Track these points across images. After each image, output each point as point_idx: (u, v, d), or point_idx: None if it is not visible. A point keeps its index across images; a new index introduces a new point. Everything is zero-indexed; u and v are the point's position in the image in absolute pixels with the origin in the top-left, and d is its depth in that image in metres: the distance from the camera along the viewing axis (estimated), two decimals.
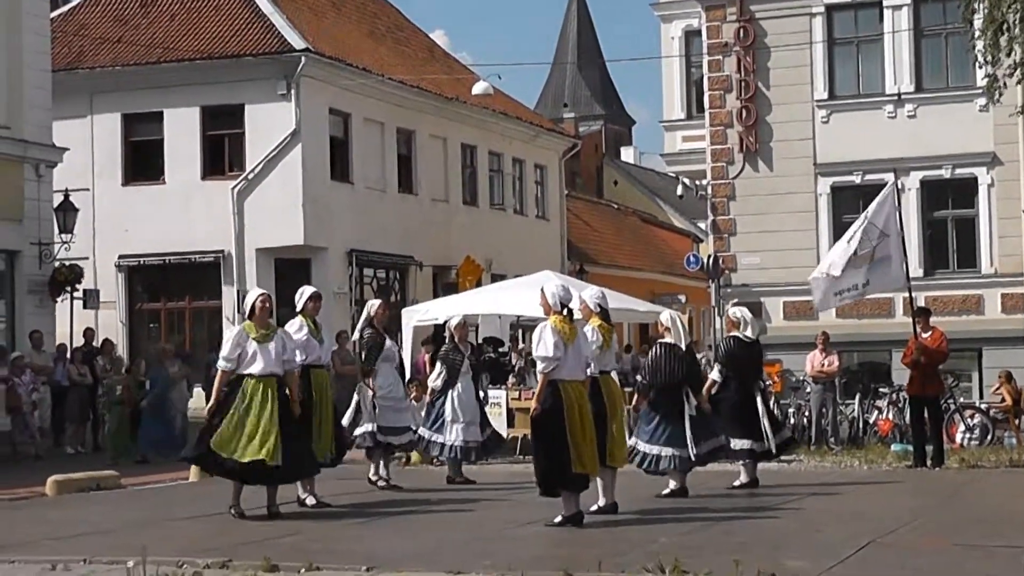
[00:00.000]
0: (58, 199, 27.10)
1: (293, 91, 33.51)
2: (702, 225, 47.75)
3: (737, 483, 16.21)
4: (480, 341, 26.51)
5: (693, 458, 15.20)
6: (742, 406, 16.21)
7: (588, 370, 13.28)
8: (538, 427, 12.78)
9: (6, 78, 25.62)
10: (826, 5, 29.95)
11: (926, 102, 29.34)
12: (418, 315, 24.65)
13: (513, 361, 28.14)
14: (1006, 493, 16.34)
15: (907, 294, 20.41)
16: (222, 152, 34.72)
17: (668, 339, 15.41)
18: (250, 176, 33.81)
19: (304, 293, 15.11)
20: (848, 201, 28.77)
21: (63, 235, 26.94)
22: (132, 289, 35.22)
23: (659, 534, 12.10)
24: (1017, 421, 23.35)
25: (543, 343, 12.61)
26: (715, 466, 16.64)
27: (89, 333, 26.99)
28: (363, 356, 16.56)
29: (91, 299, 28.79)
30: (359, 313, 20.77)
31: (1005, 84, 22.68)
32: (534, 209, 46.19)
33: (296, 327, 14.79)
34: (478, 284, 34.33)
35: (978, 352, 28.02)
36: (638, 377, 15.82)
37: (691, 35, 34.13)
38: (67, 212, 27.28)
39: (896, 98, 29.42)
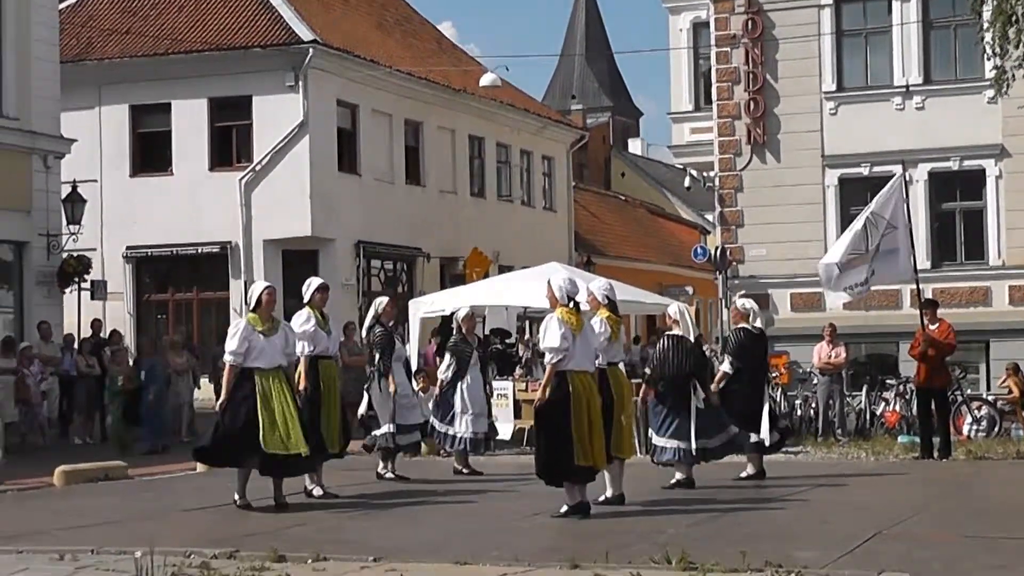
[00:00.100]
0: (66, 190, 27.14)
1: (301, 83, 33.53)
2: (709, 217, 47.74)
3: (744, 474, 16.22)
4: (487, 333, 26.51)
5: (695, 452, 15.19)
6: (752, 398, 16.20)
7: (596, 361, 13.31)
8: (543, 417, 12.80)
9: (15, 69, 25.65)
10: None
11: (934, 94, 29.28)
12: (425, 307, 24.65)
13: (520, 353, 28.16)
14: (1013, 485, 16.33)
15: (915, 286, 20.37)
16: (230, 143, 34.77)
17: (676, 331, 15.40)
18: (258, 167, 33.84)
19: (311, 284, 15.11)
20: (856, 193, 28.70)
21: (71, 226, 26.98)
22: (140, 280, 35.29)
23: (666, 525, 12.11)
24: None
25: (550, 334, 12.62)
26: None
27: (97, 324, 27.02)
28: (377, 356, 16.48)
29: (99, 290, 28.84)
30: (367, 304, 20.80)
31: (1014, 76, 22.62)
32: (541, 201, 46.18)
33: (304, 318, 14.80)
34: (485, 276, 34.32)
35: (985, 344, 27.98)
36: (646, 369, 15.81)
37: (699, 27, 34.06)
38: (75, 203, 27.32)
39: (904, 90, 29.37)
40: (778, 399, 22.53)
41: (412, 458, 18.22)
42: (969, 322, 25.98)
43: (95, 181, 31.89)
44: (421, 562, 10.00)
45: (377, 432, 16.55)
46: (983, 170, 28.98)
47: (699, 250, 35.79)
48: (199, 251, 34.31)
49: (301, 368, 14.67)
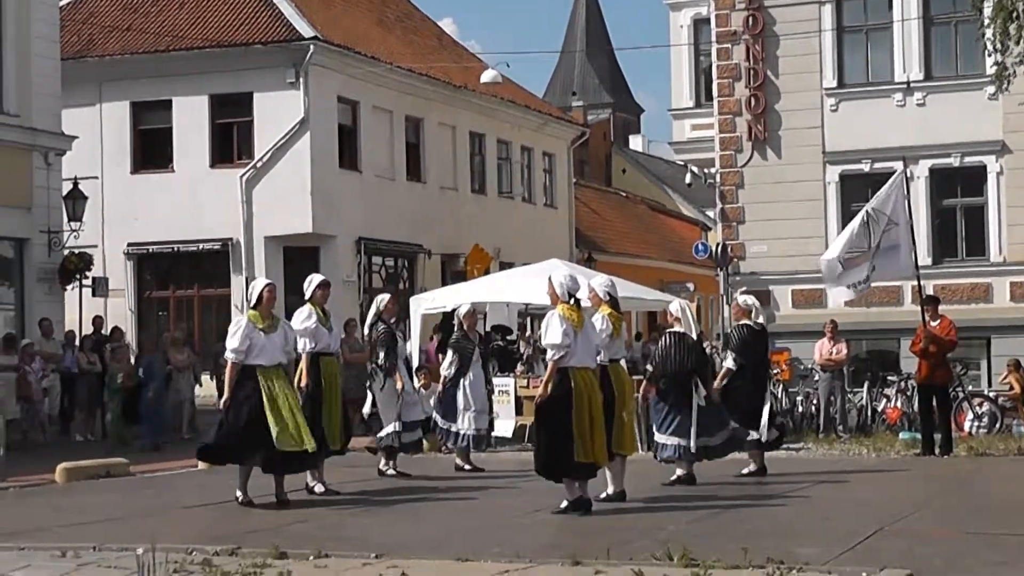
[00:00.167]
0: (67, 187, 27.13)
1: (302, 79, 33.53)
2: (710, 213, 47.70)
3: (746, 471, 16.22)
4: (488, 329, 26.51)
5: (696, 450, 15.20)
6: (754, 394, 16.21)
7: (598, 358, 13.31)
8: (544, 414, 12.79)
9: (15, 66, 25.64)
10: None
11: (935, 90, 29.26)
12: (426, 303, 24.66)
13: (521, 349, 28.15)
14: (1014, 481, 16.33)
15: (916, 282, 20.38)
16: (231, 140, 34.77)
17: (678, 328, 15.41)
18: (259, 164, 33.84)
19: (313, 281, 15.12)
20: (857, 189, 28.69)
21: (72, 223, 26.97)
22: (141, 277, 35.30)
23: (667, 522, 12.12)
24: None
25: (552, 331, 12.62)
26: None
27: (98, 321, 27.04)
28: (382, 354, 16.46)
29: (100, 287, 28.83)
30: (368, 301, 20.80)
31: (1015, 72, 22.62)
32: (542, 197, 46.18)
33: (305, 315, 14.80)
34: (486, 272, 34.33)
35: (987, 340, 27.97)
36: (648, 366, 15.80)
37: (700, 23, 34.05)
38: (76, 200, 27.32)
39: (905, 86, 29.35)
40: (779, 395, 22.55)
41: (413, 455, 18.20)
42: (970, 318, 25.97)
43: (96, 178, 31.88)
44: (422, 559, 10.00)
45: (382, 432, 16.54)
46: (984, 166, 28.96)
47: (700, 246, 35.78)
48: (200, 248, 34.32)
49: (303, 365, 14.69)
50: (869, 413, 23.99)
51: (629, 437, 13.99)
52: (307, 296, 15.02)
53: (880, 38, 29.98)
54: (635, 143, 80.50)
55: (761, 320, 16.62)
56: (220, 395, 14.88)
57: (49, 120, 26.37)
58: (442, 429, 17.89)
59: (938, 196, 29.27)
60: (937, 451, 18.98)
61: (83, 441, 23.81)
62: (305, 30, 33.76)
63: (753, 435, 16.08)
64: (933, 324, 19.49)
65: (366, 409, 16.69)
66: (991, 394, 24.20)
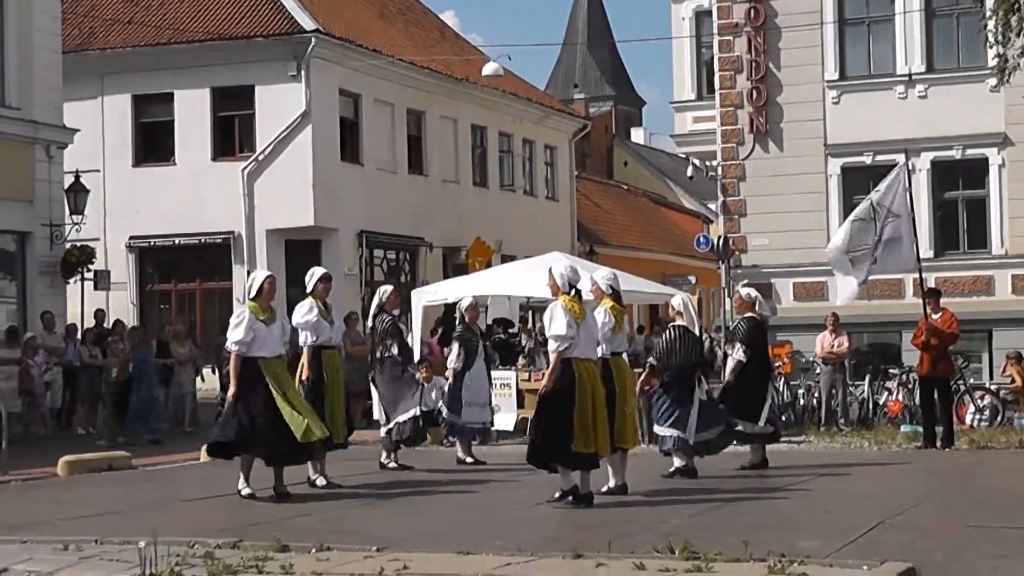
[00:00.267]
0: (69, 180, 27.14)
1: (303, 72, 33.52)
2: (712, 206, 47.66)
3: (747, 463, 16.23)
4: (490, 322, 26.52)
5: (694, 444, 15.21)
6: (760, 385, 16.24)
7: (599, 350, 13.33)
8: (546, 403, 12.78)
9: (17, 59, 25.64)
10: None
11: (937, 82, 29.23)
12: (428, 296, 24.65)
13: (523, 342, 28.15)
14: (1016, 474, 16.34)
15: (917, 275, 20.38)
16: (232, 133, 34.76)
17: (680, 322, 15.43)
18: (260, 157, 33.84)
19: (314, 274, 15.13)
20: (858, 182, 28.66)
21: (74, 216, 26.98)
22: (143, 270, 35.31)
23: (669, 515, 12.13)
24: None
25: (556, 322, 12.61)
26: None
27: (100, 314, 27.05)
28: (393, 344, 16.43)
29: (102, 280, 28.84)
30: (369, 294, 20.78)
31: (1017, 64, 22.58)
32: (544, 190, 46.17)
33: (306, 309, 14.81)
34: (488, 265, 34.33)
35: (988, 333, 27.96)
36: (651, 359, 15.79)
37: (701, 15, 34.04)
38: (78, 193, 27.33)
39: (907, 78, 29.32)
40: (780, 389, 22.56)
41: (415, 448, 18.20)
42: (972, 311, 25.94)
43: (98, 171, 31.85)
44: (424, 552, 10.00)
45: (403, 417, 16.44)
46: (986, 159, 28.94)
47: (702, 239, 35.76)
48: (202, 241, 34.34)
49: (304, 358, 14.70)
50: (870, 406, 23.99)
51: (631, 430, 14.00)
52: (309, 289, 15.03)
53: (882, 30, 29.95)
54: (637, 136, 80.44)
55: (765, 312, 16.66)
56: (222, 388, 14.85)
57: (51, 113, 26.37)
58: (448, 422, 17.84)
59: (940, 189, 29.25)
60: (938, 444, 18.98)
61: (85, 434, 23.80)
62: (307, 23, 33.75)
63: (751, 427, 16.08)
64: (935, 317, 19.48)
65: (379, 413, 16.59)
66: (993, 387, 24.20)
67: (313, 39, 33.37)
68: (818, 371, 24.31)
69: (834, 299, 26.06)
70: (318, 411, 14.33)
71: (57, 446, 19.90)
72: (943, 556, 9.84)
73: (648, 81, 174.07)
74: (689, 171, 35.30)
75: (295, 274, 23.44)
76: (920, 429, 20.01)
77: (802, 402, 24.25)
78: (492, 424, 18.61)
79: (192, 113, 34.32)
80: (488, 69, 35.80)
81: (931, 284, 22.50)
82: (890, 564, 9.09)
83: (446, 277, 34.23)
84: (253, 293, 14.05)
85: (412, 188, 37.86)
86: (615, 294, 14.06)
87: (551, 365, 12.77)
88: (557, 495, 12.76)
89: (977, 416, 22.67)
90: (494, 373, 20.34)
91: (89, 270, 27.45)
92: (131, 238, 34.55)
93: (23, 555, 10.43)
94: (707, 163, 32.73)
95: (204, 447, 16.03)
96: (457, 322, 18.47)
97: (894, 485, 15.07)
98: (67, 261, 26.36)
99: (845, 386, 23.91)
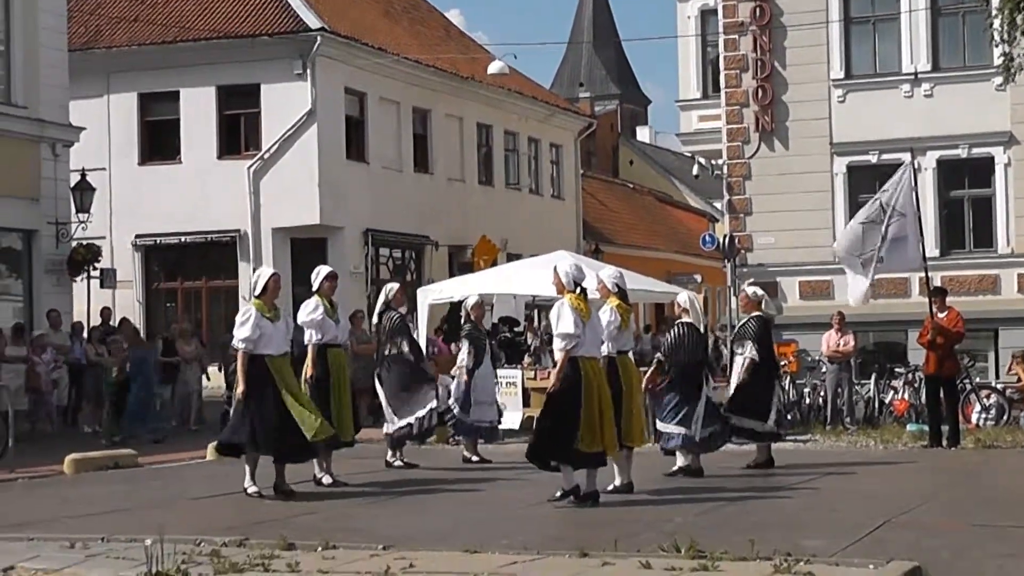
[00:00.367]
0: (75, 178, 27.17)
1: (309, 71, 33.52)
2: (718, 205, 47.69)
3: (752, 462, 16.23)
4: (496, 321, 26.53)
5: (698, 439, 15.22)
6: (768, 386, 16.26)
7: (603, 349, 13.34)
8: (553, 402, 12.77)
9: (23, 57, 25.67)
10: None
11: (943, 81, 29.23)
12: (433, 295, 24.68)
13: (529, 341, 28.16)
14: (1022, 473, 16.32)
15: (923, 274, 20.38)
16: (238, 132, 34.78)
17: (687, 319, 15.44)
18: (266, 156, 33.85)
19: (320, 273, 15.14)
20: (864, 181, 28.68)
21: (80, 214, 27.01)
22: (149, 269, 35.33)
23: (675, 514, 12.13)
24: None
25: (563, 321, 12.60)
26: (730, 446, 16.65)
27: (106, 312, 27.06)
28: (403, 342, 16.42)
29: (108, 278, 28.87)
30: (375, 293, 20.79)
31: (1022, 64, 22.58)
32: (549, 189, 46.16)
33: (311, 307, 14.82)
34: (493, 264, 34.33)
35: (994, 332, 27.96)
36: (658, 355, 15.77)
37: (707, 14, 34.05)
38: (84, 191, 27.36)
39: (913, 77, 29.32)
40: (786, 387, 22.55)
41: (421, 446, 18.23)
42: (978, 310, 25.94)
43: (104, 169, 31.86)
44: (430, 550, 10.01)
45: (419, 413, 16.42)
46: (992, 158, 28.94)
47: (707, 238, 35.80)
48: (208, 239, 34.35)
49: (309, 356, 14.71)
50: (876, 405, 23.98)
51: (637, 429, 13.99)
52: (314, 288, 15.05)
53: (888, 29, 29.95)
54: (642, 134, 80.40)
55: (771, 311, 16.68)
56: (228, 386, 14.87)
57: (57, 111, 26.39)
58: (457, 420, 17.80)
59: (945, 187, 29.25)
60: (944, 443, 18.96)
61: (91, 432, 23.81)
62: (312, 21, 33.76)
63: (761, 426, 16.09)
64: (940, 316, 19.47)
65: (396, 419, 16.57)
66: (998, 386, 24.18)
67: (319, 37, 33.38)
68: (824, 370, 24.29)
69: (840, 298, 26.09)
70: (323, 410, 14.36)
71: (63, 444, 19.93)
72: (949, 555, 9.84)
73: (654, 80, 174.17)
74: (695, 170, 35.28)
75: (301, 272, 23.43)
76: (926, 428, 19.99)
77: (808, 401, 24.24)
78: (499, 422, 18.62)
79: (198, 111, 34.34)
80: (494, 68, 35.79)
81: (937, 283, 22.49)
82: (896, 563, 9.10)
83: (452, 276, 34.23)
84: (258, 291, 14.05)
85: (418, 186, 37.86)
86: (621, 292, 14.06)
87: (559, 364, 12.74)
88: (558, 494, 12.77)
89: (983, 415, 22.65)
90: (500, 372, 20.35)
91: (95, 268, 27.47)
92: (137, 236, 34.57)
93: (30, 553, 10.45)
94: (713, 162, 32.72)
95: (213, 445, 16.06)
96: (463, 321, 18.46)
97: (900, 484, 15.06)
98: (73, 259, 26.38)
99: (851, 385, 23.90)
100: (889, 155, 27.94)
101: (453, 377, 18.12)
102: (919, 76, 29.28)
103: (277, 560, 9.71)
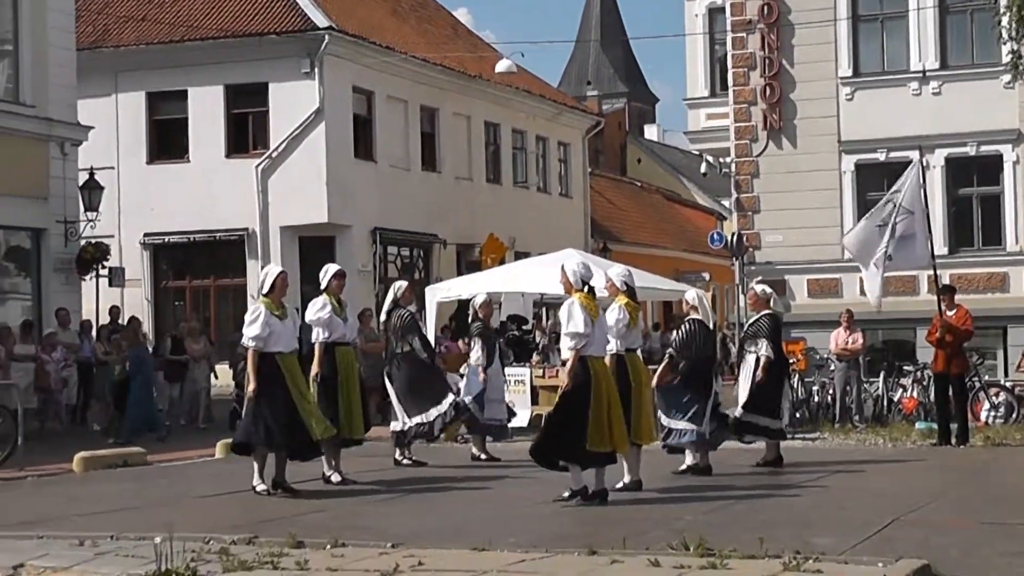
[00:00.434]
0: (83, 177, 27.20)
1: (317, 69, 33.56)
2: (726, 203, 47.64)
3: (761, 460, 16.22)
4: (504, 319, 26.53)
5: (708, 435, 15.22)
6: (781, 383, 16.27)
7: (612, 347, 13.34)
8: (564, 401, 12.75)
9: (31, 57, 25.69)
10: None
11: (951, 79, 29.17)
12: (441, 293, 24.68)
13: (537, 339, 28.15)
14: None
15: (932, 272, 20.35)
16: (246, 130, 34.82)
17: (696, 316, 15.43)
18: (274, 154, 33.89)
19: (328, 271, 15.15)
20: (872, 179, 28.65)
21: (88, 213, 27.05)
22: (157, 267, 35.39)
23: (683, 512, 12.13)
24: None
25: (574, 320, 12.58)
26: (738, 444, 16.66)
27: (115, 311, 27.10)
28: (416, 339, 16.40)
29: (116, 277, 28.90)
30: (383, 291, 20.79)
31: None
32: (557, 187, 46.17)
33: (319, 306, 14.83)
34: (501, 262, 34.34)
35: (1003, 330, 27.91)
36: (670, 350, 15.75)
37: (715, 12, 34.01)
38: (92, 190, 27.41)
39: (921, 75, 29.27)
40: (795, 385, 22.52)
41: (429, 444, 18.23)
42: (986, 308, 25.91)
43: (112, 168, 31.96)
44: (439, 548, 10.02)
45: (442, 408, 16.39)
46: (1000, 155, 28.89)
47: (715, 236, 35.76)
48: (216, 238, 34.39)
49: (316, 354, 14.72)
50: (885, 403, 23.93)
51: (646, 426, 14.00)
52: (323, 286, 15.05)
53: (896, 27, 29.89)
54: (650, 133, 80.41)
55: (779, 309, 16.69)
56: (238, 385, 14.88)
57: (65, 110, 26.41)
58: (472, 416, 17.72)
59: (954, 185, 29.20)
60: (953, 441, 18.95)
61: (100, 431, 23.84)
62: (320, 20, 33.79)
63: (774, 423, 16.11)
64: (949, 314, 19.46)
65: (412, 420, 16.54)
66: (1007, 384, 24.12)
67: (326, 36, 33.40)
68: (832, 368, 24.25)
69: (848, 296, 26.10)
70: (331, 407, 14.40)
71: (72, 442, 19.95)
72: (958, 553, 9.83)
73: (661, 78, 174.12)
74: (703, 168, 35.28)
75: (309, 271, 23.49)
76: (935, 426, 19.97)
77: (816, 399, 24.19)
78: (509, 420, 18.63)
79: (206, 110, 34.37)
80: (501, 66, 35.80)
81: (945, 281, 22.44)
82: (905, 561, 9.09)
83: (460, 274, 34.28)
84: (266, 289, 14.07)
85: (425, 185, 37.88)
86: (630, 291, 14.07)
87: (570, 363, 12.70)
88: (566, 494, 12.75)
89: (992, 413, 22.59)
90: (508, 370, 20.35)
91: (104, 267, 27.50)
92: (145, 235, 34.62)
93: (39, 550, 10.47)
94: (721, 160, 32.70)
95: (223, 443, 16.06)
96: (471, 319, 18.44)
97: (909, 482, 15.05)
98: (82, 258, 26.41)
99: (859, 383, 23.86)
100: (897, 153, 27.88)
101: (462, 375, 18.11)
102: (927, 74, 29.23)
103: (286, 558, 9.72)
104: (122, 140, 34.45)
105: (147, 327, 31.41)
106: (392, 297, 16.61)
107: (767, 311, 16.41)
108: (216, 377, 26.23)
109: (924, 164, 21.05)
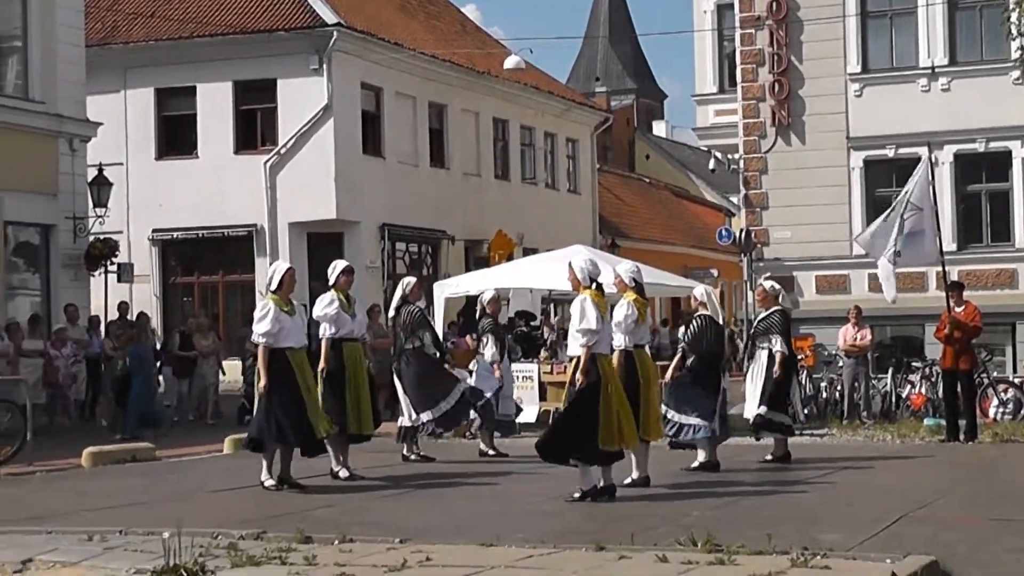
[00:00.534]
0: (92, 173, 27.22)
1: (325, 65, 33.59)
2: (734, 199, 47.66)
3: (769, 456, 16.22)
4: (512, 315, 26.53)
5: (718, 431, 15.22)
6: (788, 380, 16.26)
7: (620, 343, 13.36)
8: (578, 399, 12.72)
9: (40, 53, 25.72)
10: None
11: (960, 75, 29.13)
12: (449, 289, 24.69)
13: (545, 335, 28.15)
14: None
15: (940, 268, 20.33)
16: (255, 126, 34.87)
17: (705, 312, 15.44)
18: (282, 150, 33.92)
19: (336, 267, 15.15)
20: (881, 175, 28.63)
21: (97, 209, 27.08)
22: (166, 263, 35.45)
23: (691, 508, 12.13)
24: None
25: (586, 317, 12.57)
26: (747, 440, 16.66)
27: (124, 307, 27.12)
28: (427, 335, 16.39)
29: (125, 273, 28.93)
30: (392, 287, 20.79)
31: None
32: (566, 183, 46.16)
33: (326, 302, 14.84)
34: (510, 258, 34.34)
35: (1012, 326, 27.86)
36: (682, 345, 15.74)
37: (723, 8, 33.96)
38: (101, 186, 27.42)
39: (930, 71, 29.22)
40: (803, 382, 22.51)
41: (437, 440, 18.25)
42: (995, 304, 25.88)
43: (121, 164, 31.99)
44: (446, 543, 10.03)
45: (452, 402, 16.38)
46: (1009, 152, 28.83)
47: (724, 232, 35.72)
48: (225, 234, 34.44)
49: (323, 350, 14.74)
50: (893, 399, 23.92)
51: (654, 422, 13.99)
52: (331, 282, 15.05)
53: (904, 23, 29.84)
54: (658, 129, 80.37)
55: (787, 305, 16.69)
56: (247, 382, 14.90)
57: (74, 107, 26.45)
58: (490, 412, 17.69)
59: (963, 182, 29.15)
60: (962, 437, 18.94)
61: (108, 426, 23.87)
62: (328, 16, 33.81)
63: (786, 419, 16.10)
64: (958, 310, 19.44)
65: (414, 414, 16.52)
66: (1016, 380, 24.09)
67: (335, 32, 33.43)
68: (840, 364, 24.24)
69: (856, 292, 26.08)
70: (338, 403, 14.44)
71: (81, 438, 19.99)
72: (966, 549, 9.83)
73: (670, 74, 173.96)
74: (711, 164, 35.19)
75: (317, 267, 23.48)
76: (943, 422, 19.96)
77: (824, 395, 24.20)
78: (517, 416, 18.62)
79: (214, 106, 34.42)
80: (510, 62, 35.80)
81: (954, 277, 22.41)
82: (913, 557, 9.08)
83: (468, 270, 34.29)
84: (274, 285, 14.08)
85: (434, 181, 37.89)
86: (638, 287, 14.05)
87: (582, 360, 12.64)
88: (577, 495, 12.72)
89: (1000, 409, 22.56)
90: (516, 366, 20.35)
91: (112, 263, 27.53)
92: (154, 231, 34.68)
93: (48, 545, 10.48)
94: (729, 156, 32.65)
95: (231, 439, 16.07)
96: (478, 315, 18.43)
97: (917, 478, 15.03)
98: (91, 254, 26.44)
99: (868, 379, 23.85)
100: (906, 149, 27.87)
101: (471, 372, 18.09)
102: (936, 70, 29.18)
103: (294, 553, 9.73)
104: (131, 136, 34.52)
105: (156, 323, 31.54)
106: (401, 293, 16.58)
107: (777, 307, 16.40)
108: (224, 373, 26.25)
109: (933, 160, 21.04)
